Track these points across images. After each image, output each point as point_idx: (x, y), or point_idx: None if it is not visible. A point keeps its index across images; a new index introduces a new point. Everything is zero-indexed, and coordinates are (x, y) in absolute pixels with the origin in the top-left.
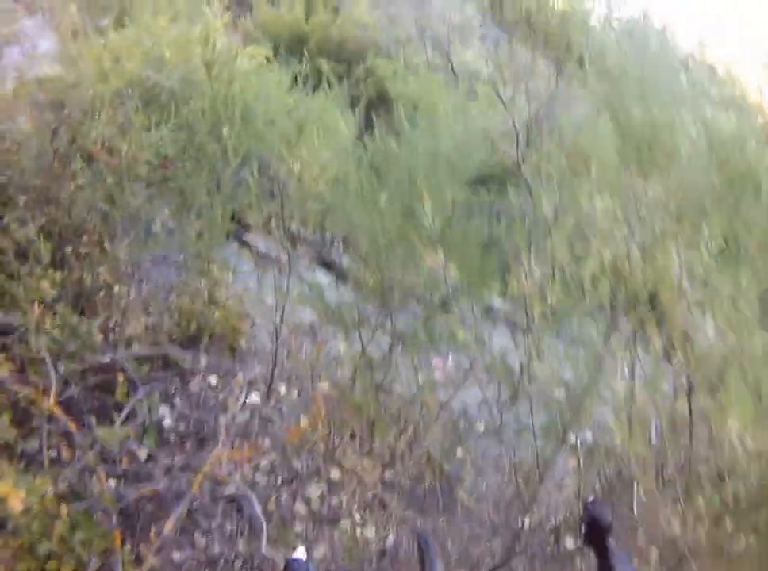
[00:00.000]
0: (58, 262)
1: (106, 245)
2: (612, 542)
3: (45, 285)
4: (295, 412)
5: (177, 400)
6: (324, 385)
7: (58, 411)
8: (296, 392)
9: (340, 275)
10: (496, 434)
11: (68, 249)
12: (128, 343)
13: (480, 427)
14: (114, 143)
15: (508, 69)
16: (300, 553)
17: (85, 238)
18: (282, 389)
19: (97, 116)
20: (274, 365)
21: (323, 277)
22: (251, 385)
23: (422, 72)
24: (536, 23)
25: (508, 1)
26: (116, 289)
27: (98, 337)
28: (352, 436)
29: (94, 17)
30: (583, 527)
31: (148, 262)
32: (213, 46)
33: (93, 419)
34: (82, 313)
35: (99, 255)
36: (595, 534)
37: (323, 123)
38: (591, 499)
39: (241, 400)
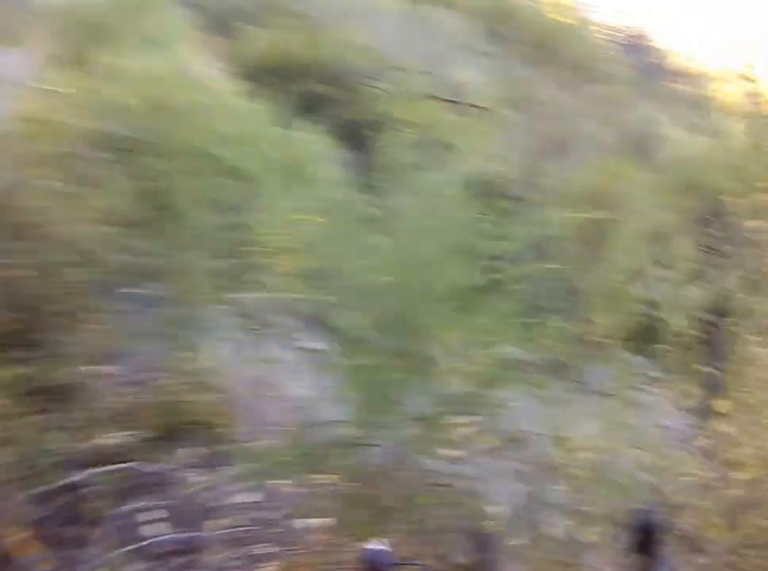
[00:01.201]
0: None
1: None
2: (661, 549)
3: None
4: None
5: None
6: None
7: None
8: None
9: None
10: None
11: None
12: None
13: None
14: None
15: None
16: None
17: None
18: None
19: None
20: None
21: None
22: (240, 479)
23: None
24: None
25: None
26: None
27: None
28: None
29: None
30: (635, 535)
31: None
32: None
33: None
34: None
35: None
36: (647, 541)
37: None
38: (644, 508)
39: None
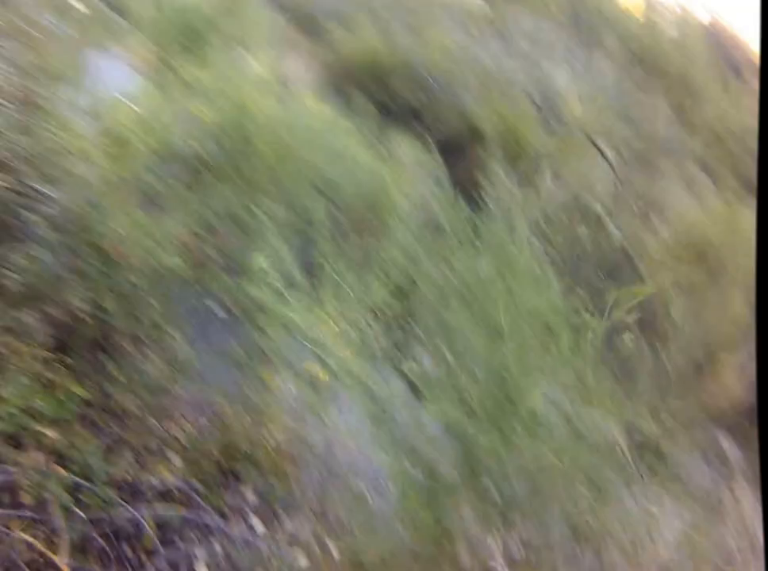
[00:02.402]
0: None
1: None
2: None
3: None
4: None
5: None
6: None
7: None
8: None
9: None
10: None
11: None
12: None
13: None
14: None
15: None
16: None
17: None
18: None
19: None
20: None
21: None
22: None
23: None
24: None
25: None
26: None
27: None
28: None
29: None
30: None
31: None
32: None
33: None
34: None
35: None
36: None
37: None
38: None
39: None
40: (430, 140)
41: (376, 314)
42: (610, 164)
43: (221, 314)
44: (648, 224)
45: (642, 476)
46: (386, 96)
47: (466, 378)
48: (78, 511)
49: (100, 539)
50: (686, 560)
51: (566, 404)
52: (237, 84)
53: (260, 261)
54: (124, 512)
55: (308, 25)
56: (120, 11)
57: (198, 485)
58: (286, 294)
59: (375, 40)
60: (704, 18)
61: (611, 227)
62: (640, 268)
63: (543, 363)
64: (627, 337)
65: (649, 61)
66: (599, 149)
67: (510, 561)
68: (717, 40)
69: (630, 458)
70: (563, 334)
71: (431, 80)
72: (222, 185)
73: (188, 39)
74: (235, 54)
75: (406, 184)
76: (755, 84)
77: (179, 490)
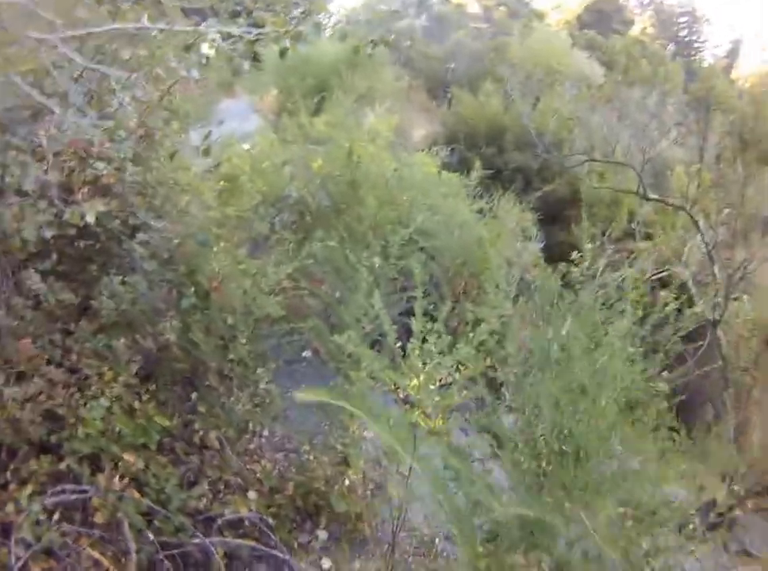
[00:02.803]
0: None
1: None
2: None
3: None
4: None
5: None
6: None
7: None
8: None
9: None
10: None
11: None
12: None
13: None
14: None
15: None
16: None
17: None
18: None
19: None
20: None
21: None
22: None
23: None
24: None
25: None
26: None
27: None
28: None
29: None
30: None
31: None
32: None
33: None
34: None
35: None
36: None
37: None
38: None
39: None
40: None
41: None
42: (704, 238)
43: (309, 356)
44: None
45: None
46: (498, 157)
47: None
48: (149, 534)
49: (167, 562)
50: None
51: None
52: (350, 133)
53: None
54: (195, 539)
55: (433, 86)
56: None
57: (271, 520)
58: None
59: (495, 103)
60: None
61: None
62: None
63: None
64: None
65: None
66: (695, 221)
67: None
68: None
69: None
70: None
71: (541, 144)
72: (325, 232)
73: (312, 88)
74: (354, 106)
75: (502, 241)
76: None
77: (251, 523)
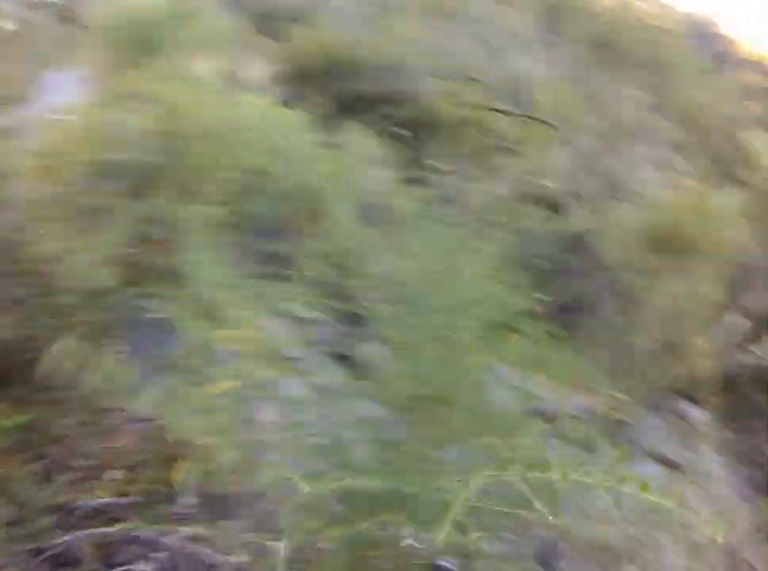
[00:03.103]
0: None
1: None
2: None
3: None
4: None
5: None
6: None
7: None
8: None
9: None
10: None
11: None
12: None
13: None
14: None
15: None
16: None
17: None
18: None
19: None
20: None
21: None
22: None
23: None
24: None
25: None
26: None
27: None
28: None
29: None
30: None
31: None
32: None
33: None
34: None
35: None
36: None
37: None
38: None
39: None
40: (386, 130)
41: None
42: (572, 148)
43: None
44: (615, 207)
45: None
46: (342, 89)
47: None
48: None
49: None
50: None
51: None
52: (177, 88)
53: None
54: (62, 537)
55: (267, 26)
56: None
57: (135, 499)
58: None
59: (333, 35)
60: (685, 7)
61: (571, 211)
62: (601, 250)
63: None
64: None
65: (620, 47)
66: (559, 132)
67: None
68: (699, 30)
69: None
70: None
71: (388, 70)
72: (159, 192)
73: (139, 48)
74: (183, 59)
75: (354, 174)
76: (737, 73)
77: (118, 505)
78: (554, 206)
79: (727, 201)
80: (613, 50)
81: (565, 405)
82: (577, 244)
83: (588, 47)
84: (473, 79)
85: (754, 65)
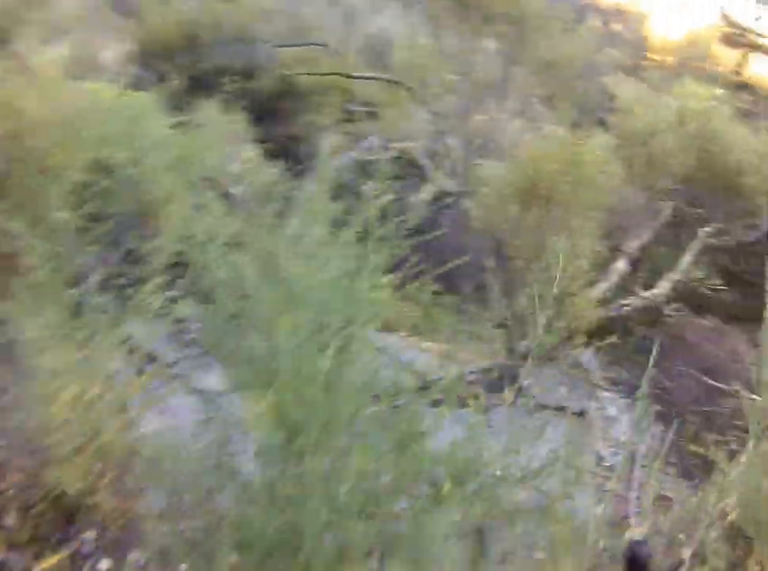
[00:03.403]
0: None
1: None
2: None
3: None
4: None
5: None
6: None
7: None
8: None
9: None
10: None
11: None
12: None
13: None
14: None
15: None
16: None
17: None
18: None
19: None
20: None
21: None
22: None
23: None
24: None
25: None
26: None
27: None
28: None
29: None
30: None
31: None
32: None
33: None
34: None
35: None
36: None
37: None
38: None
39: None
40: (240, 103)
41: None
42: (435, 108)
43: None
44: (482, 164)
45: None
46: (197, 65)
47: None
48: None
49: None
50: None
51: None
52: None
53: None
54: None
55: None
56: None
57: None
58: None
59: (184, 8)
60: None
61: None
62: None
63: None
64: None
65: (478, 2)
66: (421, 93)
67: None
68: None
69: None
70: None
71: (241, 42)
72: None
73: None
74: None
75: (208, 149)
76: (597, 23)
77: None
78: (417, 168)
79: (596, 145)
80: (472, 5)
81: (454, 369)
82: (445, 206)
83: (446, 4)
84: (327, 45)
85: (617, 14)
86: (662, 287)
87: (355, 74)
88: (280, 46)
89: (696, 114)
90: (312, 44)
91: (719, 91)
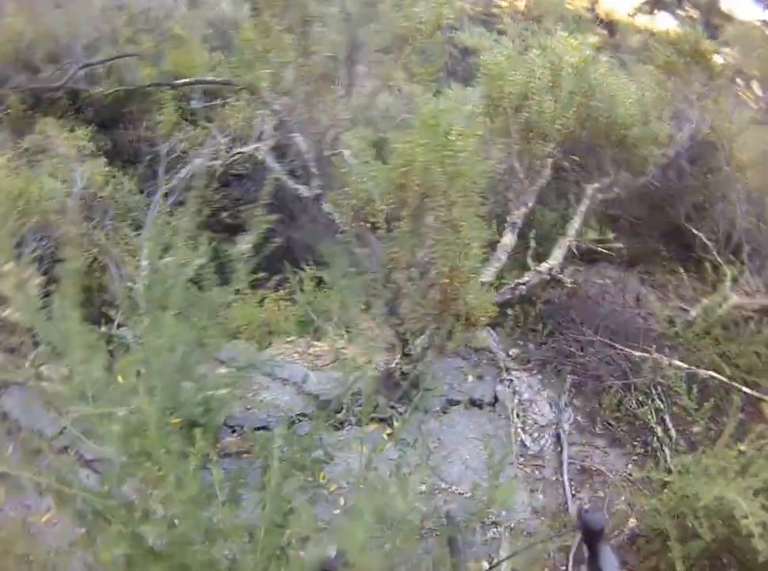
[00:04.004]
0: None
1: None
2: (603, 547)
3: None
4: None
5: None
6: None
7: None
8: None
9: None
10: None
11: None
12: None
13: None
14: None
15: None
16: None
17: None
18: None
19: None
20: None
21: None
22: None
23: None
24: None
25: None
26: None
27: None
28: None
29: None
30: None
31: None
32: None
33: None
34: None
35: None
36: (588, 539)
37: None
38: (586, 507)
39: None
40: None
41: None
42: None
43: None
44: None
45: None
46: (33, 83)
47: None
48: None
49: None
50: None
51: None
52: None
53: None
54: None
55: None
56: None
57: None
58: None
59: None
60: None
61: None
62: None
63: None
64: None
65: None
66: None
67: None
68: None
69: None
70: None
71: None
72: None
73: None
74: None
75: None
76: None
77: None
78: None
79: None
80: None
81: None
82: (307, 206)
83: None
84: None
85: None
86: (556, 257)
87: (176, 82)
88: (86, 65)
89: (574, 69)
90: (124, 55)
91: (592, 38)
